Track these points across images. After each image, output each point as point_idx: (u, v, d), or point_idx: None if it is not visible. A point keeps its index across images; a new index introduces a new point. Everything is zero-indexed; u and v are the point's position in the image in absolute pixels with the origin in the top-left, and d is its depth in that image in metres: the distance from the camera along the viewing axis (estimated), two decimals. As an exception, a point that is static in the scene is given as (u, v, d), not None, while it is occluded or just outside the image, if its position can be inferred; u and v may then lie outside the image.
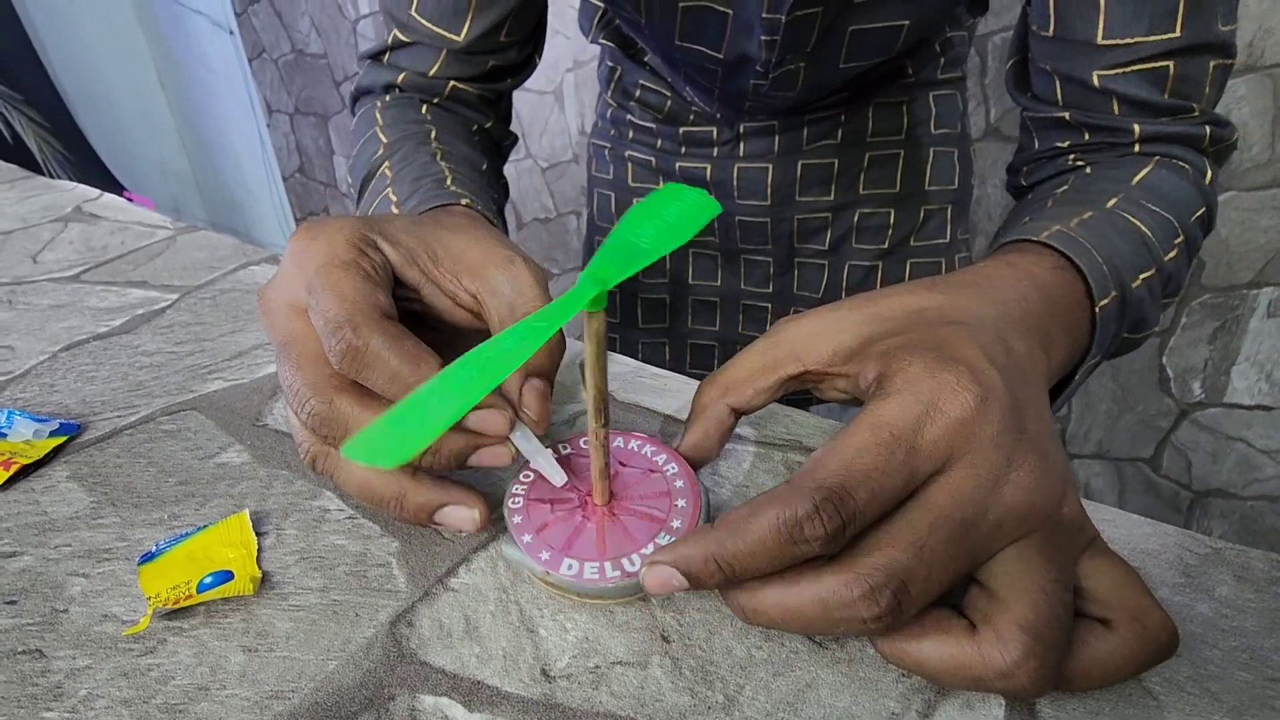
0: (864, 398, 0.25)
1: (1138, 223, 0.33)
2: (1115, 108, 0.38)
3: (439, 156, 0.43)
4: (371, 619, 0.24)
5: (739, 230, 0.59)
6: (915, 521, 0.20)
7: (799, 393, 0.28)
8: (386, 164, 0.43)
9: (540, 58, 0.53)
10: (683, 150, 0.58)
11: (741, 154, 0.56)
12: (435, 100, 0.49)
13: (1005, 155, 1.15)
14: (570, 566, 0.24)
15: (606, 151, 0.64)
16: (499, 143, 0.53)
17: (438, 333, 0.29)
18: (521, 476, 0.27)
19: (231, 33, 2.01)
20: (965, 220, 0.60)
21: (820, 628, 0.20)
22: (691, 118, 0.57)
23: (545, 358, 0.27)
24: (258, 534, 0.27)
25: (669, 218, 0.23)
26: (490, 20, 0.46)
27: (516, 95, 1.74)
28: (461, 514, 0.25)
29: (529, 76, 0.53)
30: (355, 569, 0.26)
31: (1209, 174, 0.38)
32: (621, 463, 0.28)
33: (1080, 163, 0.40)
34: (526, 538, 0.25)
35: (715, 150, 0.57)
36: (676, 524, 0.25)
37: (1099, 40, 0.36)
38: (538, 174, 1.65)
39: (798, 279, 0.61)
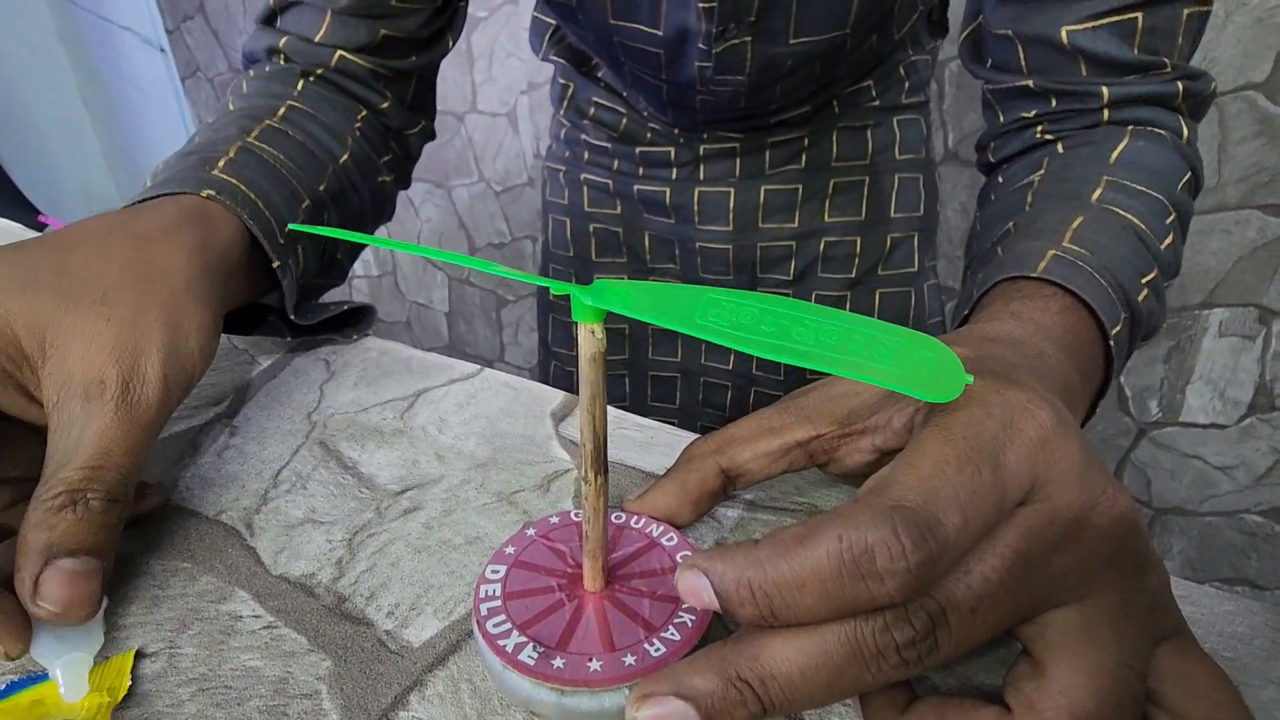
0: (897, 445, 0.22)
1: (1130, 216, 0.31)
2: (1083, 68, 0.36)
3: (254, 135, 0.37)
4: (292, 778, 0.18)
5: (699, 257, 0.56)
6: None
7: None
8: (198, 135, 0.37)
9: (455, 40, 0.47)
10: (640, 172, 0.55)
11: (702, 177, 0.53)
12: (319, 72, 0.43)
13: (964, 180, 1.15)
14: (568, 666, 0.18)
15: (561, 175, 0.60)
16: (398, 130, 0.46)
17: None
18: (489, 573, 0.22)
19: (163, 50, 1.90)
20: (932, 248, 0.59)
21: (849, 676, 0.16)
22: (648, 135, 0.54)
23: (88, 532, 0.20)
24: (144, 655, 0.21)
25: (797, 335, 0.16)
26: None
27: (469, 118, 1.68)
28: None
29: (439, 57, 0.47)
30: (273, 702, 0.20)
31: (1186, 133, 0.36)
32: (611, 543, 0.23)
33: (1049, 136, 0.38)
34: (512, 641, 0.19)
35: (674, 172, 0.54)
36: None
37: None
38: (492, 198, 1.60)
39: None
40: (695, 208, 0.54)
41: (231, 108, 0.40)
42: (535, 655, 0.19)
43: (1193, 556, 1.21)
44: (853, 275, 0.56)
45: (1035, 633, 0.17)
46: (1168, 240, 0.33)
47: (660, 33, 0.43)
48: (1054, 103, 0.37)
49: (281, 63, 0.43)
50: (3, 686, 0.20)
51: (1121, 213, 0.32)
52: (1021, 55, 0.37)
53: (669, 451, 0.31)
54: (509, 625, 0.20)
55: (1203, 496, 1.18)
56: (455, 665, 0.21)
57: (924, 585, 0.15)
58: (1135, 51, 0.35)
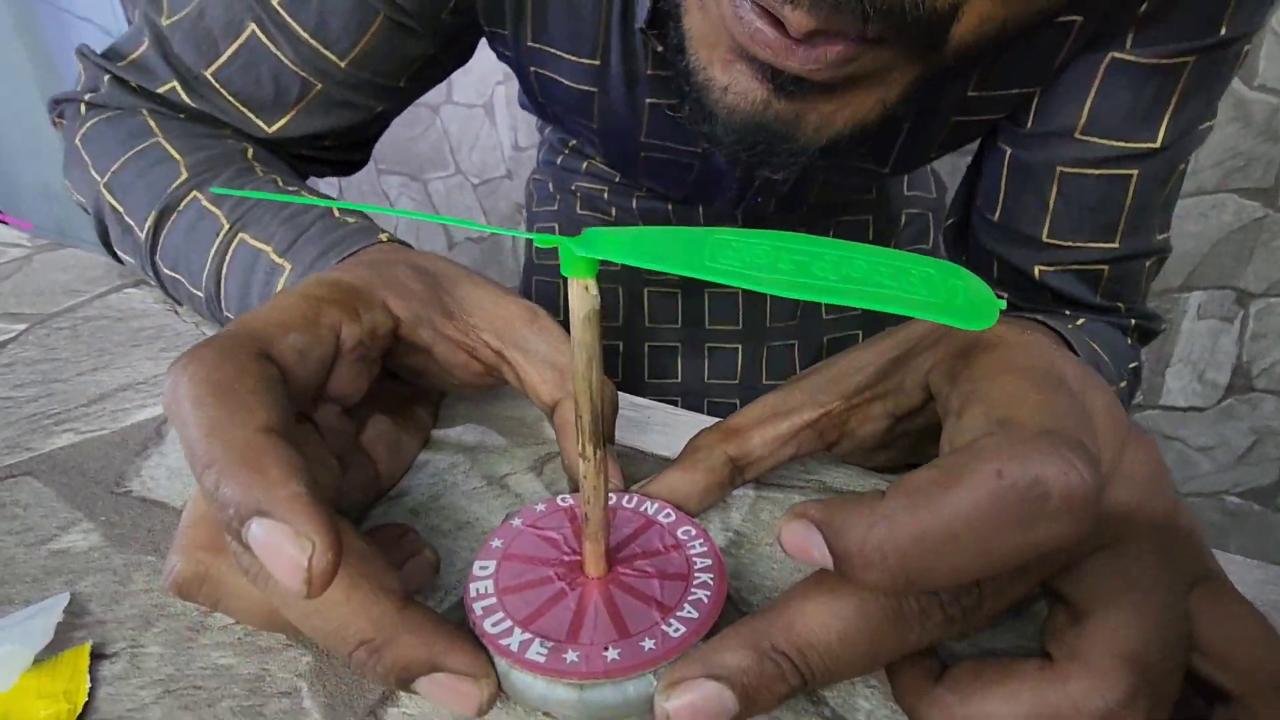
0: (910, 406, 0.21)
1: (1096, 347, 0.34)
2: (1049, 299, 0.38)
3: (282, 184, 0.33)
4: (269, 785, 0.16)
5: None
6: None
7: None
8: (200, 196, 0.33)
9: (367, 162, 0.44)
10: (644, 189, 0.53)
11: None
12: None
13: (945, 168, 1.15)
14: (579, 660, 0.17)
15: (550, 184, 0.57)
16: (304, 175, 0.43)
17: (424, 380, 0.27)
18: (477, 569, 0.20)
19: (125, 42, 1.84)
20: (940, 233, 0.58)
21: (892, 639, 0.15)
22: (645, 191, 0.53)
23: (610, 413, 0.24)
24: (104, 656, 0.19)
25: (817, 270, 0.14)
26: (316, 127, 0.37)
27: (445, 109, 1.64)
28: (464, 689, 0.16)
29: (353, 173, 0.44)
30: (248, 703, 0.18)
31: (1133, 343, 0.39)
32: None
33: None
34: (516, 639, 0.17)
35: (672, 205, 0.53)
36: (707, 578, 0.19)
37: (1043, 238, 0.36)
38: (469, 190, 1.57)
39: (770, 307, 0.55)
40: (700, 215, 0.52)
41: (179, 155, 0.34)
42: (545, 651, 0.17)
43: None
44: None
45: (1072, 579, 0.16)
46: (1122, 383, 0.36)
47: (691, 178, 0.44)
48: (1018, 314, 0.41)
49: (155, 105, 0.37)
50: (-58, 694, 0.18)
51: (1089, 341, 0.34)
52: (996, 270, 0.40)
53: (666, 431, 0.29)
54: (509, 623, 0.18)
55: (1183, 478, 1.20)
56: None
57: (1095, 518, 0.13)
58: (1098, 297, 0.37)
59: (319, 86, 0.35)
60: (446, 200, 1.61)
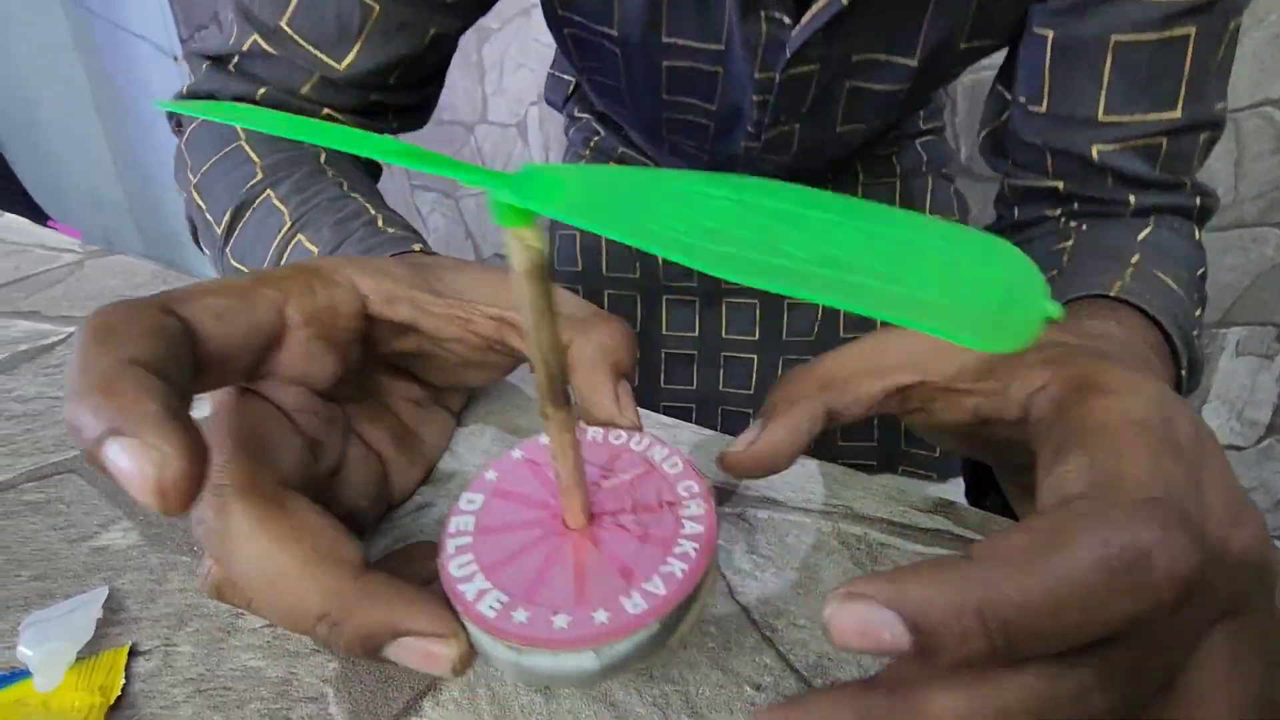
0: (1000, 416, 0.20)
1: (1169, 280, 0.32)
2: (1109, 181, 0.37)
3: (346, 188, 0.35)
4: (294, 788, 0.16)
5: None
6: None
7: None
8: (272, 194, 0.34)
9: (433, 111, 0.46)
10: None
11: None
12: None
13: (975, 193, 1.14)
14: (528, 619, 0.16)
15: None
16: (375, 176, 0.46)
17: (431, 373, 0.26)
18: (464, 503, 0.18)
19: (176, 59, 1.92)
20: None
21: None
22: None
23: (625, 349, 0.22)
24: (138, 653, 0.20)
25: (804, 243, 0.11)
26: (381, 58, 0.39)
27: (479, 128, 1.67)
28: (432, 650, 0.16)
29: (419, 128, 0.45)
30: (275, 705, 0.18)
31: (1197, 234, 0.38)
32: (604, 469, 0.20)
33: (1073, 223, 0.40)
34: (474, 586, 0.16)
35: None
36: (690, 548, 0.17)
37: (1099, 117, 0.35)
38: (500, 208, 1.60)
39: (788, 321, 0.55)
40: None
41: (257, 158, 0.36)
42: (497, 606, 0.16)
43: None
44: None
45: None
46: (1198, 311, 0.34)
47: (714, 107, 0.43)
48: (1077, 205, 0.39)
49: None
50: (-16, 683, 0.18)
51: (1161, 276, 0.32)
52: (1049, 162, 0.39)
53: (692, 450, 0.29)
54: (474, 567, 0.17)
55: (1219, 519, 1.16)
56: (472, 668, 0.19)
57: (1193, 593, 0.13)
58: (1158, 171, 0.36)
59: (376, 9, 0.37)
60: (478, 217, 1.64)
